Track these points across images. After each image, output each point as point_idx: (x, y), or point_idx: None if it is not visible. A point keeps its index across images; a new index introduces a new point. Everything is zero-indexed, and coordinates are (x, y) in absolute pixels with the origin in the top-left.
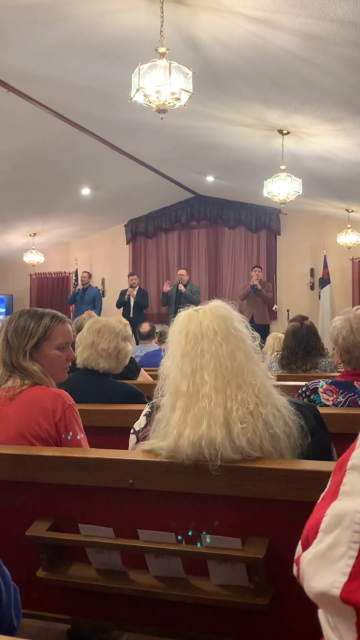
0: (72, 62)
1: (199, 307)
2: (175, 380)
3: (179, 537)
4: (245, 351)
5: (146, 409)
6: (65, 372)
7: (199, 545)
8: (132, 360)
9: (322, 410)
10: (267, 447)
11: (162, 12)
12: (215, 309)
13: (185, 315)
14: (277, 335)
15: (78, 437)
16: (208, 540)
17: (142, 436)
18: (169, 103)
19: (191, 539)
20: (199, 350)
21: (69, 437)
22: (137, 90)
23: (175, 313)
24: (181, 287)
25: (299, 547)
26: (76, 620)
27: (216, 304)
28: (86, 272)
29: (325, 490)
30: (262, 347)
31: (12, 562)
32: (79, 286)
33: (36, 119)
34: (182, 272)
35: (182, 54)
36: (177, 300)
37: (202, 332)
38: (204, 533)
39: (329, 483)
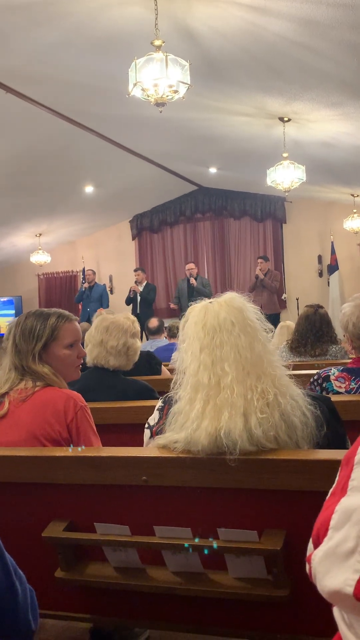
0: (69, 60)
1: (212, 299)
2: (195, 373)
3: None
4: (263, 342)
5: (159, 403)
6: (77, 370)
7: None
8: (152, 355)
9: (334, 397)
10: (283, 438)
11: (156, 5)
12: (230, 301)
13: (201, 308)
14: (286, 324)
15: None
16: (225, 533)
17: (156, 430)
18: (167, 96)
19: (208, 533)
20: (218, 342)
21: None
22: (135, 84)
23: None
24: (192, 280)
25: (310, 545)
26: (97, 618)
27: (231, 295)
28: (90, 269)
29: (334, 485)
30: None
31: (30, 563)
32: (85, 284)
33: (36, 119)
34: (191, 265)
35: (178, 46)
36: (189, 295)
37: (219, 324)
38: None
39: (336, 478)
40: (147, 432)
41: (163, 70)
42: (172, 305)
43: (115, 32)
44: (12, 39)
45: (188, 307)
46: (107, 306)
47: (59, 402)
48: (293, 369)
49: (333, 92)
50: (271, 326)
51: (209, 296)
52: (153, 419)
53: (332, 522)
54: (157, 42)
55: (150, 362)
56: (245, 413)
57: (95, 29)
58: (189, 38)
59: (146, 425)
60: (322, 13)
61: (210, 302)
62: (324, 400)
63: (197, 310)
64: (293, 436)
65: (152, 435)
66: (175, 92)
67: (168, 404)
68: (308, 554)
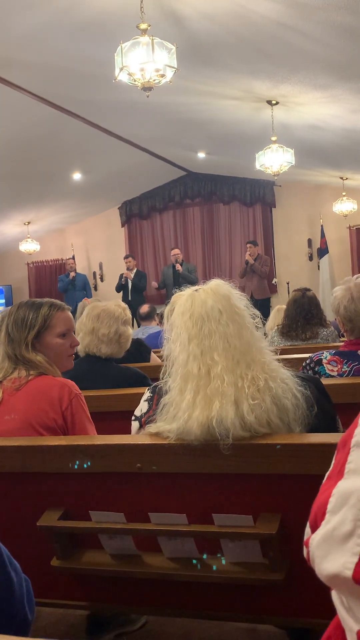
0: (53, 45)
1: (198, 286)
2: (184, 364)
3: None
4: (251, 329)
5: (146, 394)
6: (70, 359)
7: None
8: (141, 342)
9: (327, 381)
10: (275, 421)
11: None
12: (217, 288)
13: (187, 297)
14: (282, 307)
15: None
16: (220, 519)
17: (145, 421)
18: (154, 80)
19: (203, 519)
20: (207, 332)
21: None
22: (121, 69)
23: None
24: (178, 266)
25: (308, 529)
26: (94, 606)
27: (217, 282)
28: (70, 259)
29: (330, 469)
30: (264, 324)
31: (26, 552)
32: (72, 274)
33: (21, 105)
34: (176, 251)
35: (164, 30)
36: (175, 281)
37: (207, 313)
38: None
39: (333, 461)
40: (135, 424)
41: (149, 54)
42: (153, 284)
43: (100, 16)
44: None
45: (173, 293)
46: (91, 294)
47: (54, 390)
48: (284, 354)
49: (321, 74)
50: (258, 312)
51: (195, 282)
52: (140, 410)
53: (329, 506)
54: (143, 26)
55: (141, 350)
56: (236, 401)
57: (79, 12)
58: (175, 21)
59: (133, 418)
60: None
61: (195, 290)
62: (312, 380)
63: (183, 299)
64: (285, 419)
65: (141, 426)
66: (162, 76)
67: (157, 394)
68: (305, 537)
